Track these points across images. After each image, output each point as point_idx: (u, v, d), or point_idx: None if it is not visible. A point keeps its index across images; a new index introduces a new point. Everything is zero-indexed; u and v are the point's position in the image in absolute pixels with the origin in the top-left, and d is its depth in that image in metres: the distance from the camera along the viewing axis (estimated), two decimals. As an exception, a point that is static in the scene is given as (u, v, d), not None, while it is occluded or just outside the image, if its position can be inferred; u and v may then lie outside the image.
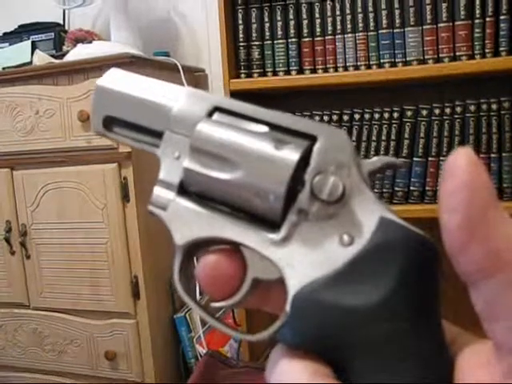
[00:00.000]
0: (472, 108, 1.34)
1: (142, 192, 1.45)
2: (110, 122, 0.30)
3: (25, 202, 1.57)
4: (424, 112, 1.38)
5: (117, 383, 1.56)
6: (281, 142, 0.25)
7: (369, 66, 1.38)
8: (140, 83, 0.30)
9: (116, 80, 0.30)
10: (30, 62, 1.61)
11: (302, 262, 0.24)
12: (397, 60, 1.36)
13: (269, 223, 0.25)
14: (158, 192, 0.28)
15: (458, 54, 1.31)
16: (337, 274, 0.23)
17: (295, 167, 0.24)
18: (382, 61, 1.37)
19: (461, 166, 0.19)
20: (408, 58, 1.35)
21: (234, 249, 0.26)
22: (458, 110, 1.36)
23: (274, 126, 0.26)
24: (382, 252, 0.23)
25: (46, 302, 1.61)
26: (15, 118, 1.53)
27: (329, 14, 1.40)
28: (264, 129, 0.26)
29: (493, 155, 1.34)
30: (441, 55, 1.32)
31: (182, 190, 0.27)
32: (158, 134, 0.28)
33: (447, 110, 1.36)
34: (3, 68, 1.61)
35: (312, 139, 0.25)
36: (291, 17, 1.43)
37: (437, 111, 1.37)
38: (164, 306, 1.60)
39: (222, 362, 1.34)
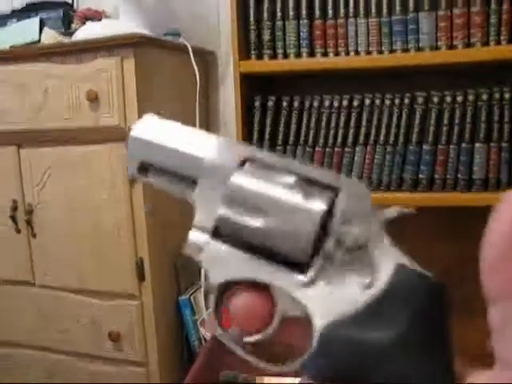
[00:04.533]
0: (484, 96, 1.33)
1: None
2: (145, 168, 0.33)
3: (31, 180, 1.57)
4: (435, 99, 1.36)
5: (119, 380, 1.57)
6: (308, 194, 0.28)
7: (381, 51, 1.37)
8: (172, 131, 0.32)
9: (149, 128, 0.33)
10: (39, 40, 1.60)
11: (327, 302, 0.27)
12: (409, 46, 1.34)
13: (296, 265, 0.28)
14: (194, 236, 0.30)
15: (472, 40, 1.29)
16: (358, 313, 0.26)
17: (323, 217, 0.27)
18: (394, 46, 1.35)
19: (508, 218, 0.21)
20: (421, 44, 1.33)
21: (263, 287, 0.29)
22: (471, 98, 1.34)
23: (300, 177, 0.29)
24: (397, 295, 0.26)
25: (51, 281, 1.61)
26: (24, 96, 1.52)
27: (342, -5, 1.38)
28: (292, 179, 0.29)
29: (504, 144, 1.33)
30: (454, 42, 1.30)
31: (217, 233, 0.30)
32: (192, 181, 0.31)
33: (459, 98, 1.35)
34: (11, 46, 1.60)
35: (335, 190, 0.28)
36: (303, -3, 1.40)
37: (448, 99, 1.36)
38: (168, 288, 1.61)
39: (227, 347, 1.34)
